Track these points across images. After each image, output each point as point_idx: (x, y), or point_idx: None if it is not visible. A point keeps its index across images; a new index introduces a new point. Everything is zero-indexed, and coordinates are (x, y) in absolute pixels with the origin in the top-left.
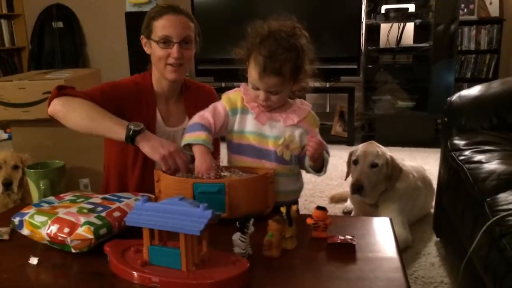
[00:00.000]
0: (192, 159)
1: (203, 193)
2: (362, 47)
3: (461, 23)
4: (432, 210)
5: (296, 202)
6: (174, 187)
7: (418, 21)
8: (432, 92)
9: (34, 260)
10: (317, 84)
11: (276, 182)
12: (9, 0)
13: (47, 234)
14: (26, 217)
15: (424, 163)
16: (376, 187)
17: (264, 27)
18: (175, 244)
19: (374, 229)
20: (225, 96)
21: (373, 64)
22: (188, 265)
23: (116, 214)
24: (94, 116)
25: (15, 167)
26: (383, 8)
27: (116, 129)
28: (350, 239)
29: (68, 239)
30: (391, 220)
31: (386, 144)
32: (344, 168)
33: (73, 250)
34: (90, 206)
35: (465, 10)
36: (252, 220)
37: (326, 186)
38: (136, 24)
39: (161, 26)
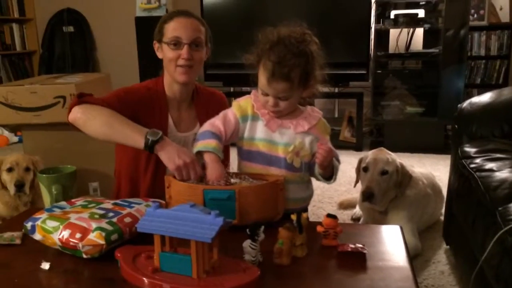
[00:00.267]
0: (203, 166)
1: (213, 200)
2: (371, 52)
3: (471, 28)
4: (442, 218)
5: (306, 210)
6: (184, 193)
7: (427, 26)
8: (442, 98)
9: (46, 265)
10: (325, 89)
11: (285, 189)
12: (21, 5)
13: (59, 239)
14: (39, 222)
15: (433, 169)
16: (386, 194)
17: (274, 33)
18: (185, 251)
19: (385, 238)
20: (236, 103)
21: (382, 69)
22: (199, 272)
23: (127, 220)
24: (113, 124)
25: (27, 169)
26: (392, 14)
27: (135, 137)
28: (361, 247)
29: (80, 245)
30: (401, 228)
31: (394, 150)
32: (352, 174)
33: (84, 256)
34: (102, 212)
35: (475, 15)
36: (262, 227)
37: (335, 192)
38: (146, 29)
39: (172, 28)
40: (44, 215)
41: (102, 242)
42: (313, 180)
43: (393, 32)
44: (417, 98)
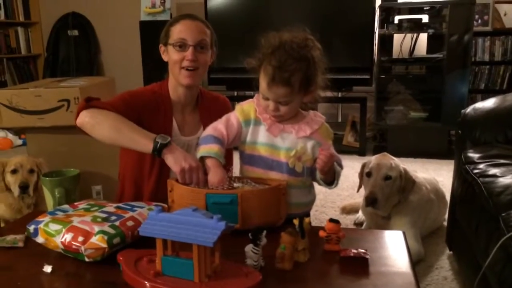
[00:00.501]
0: (205, 172)
1: (215, 204)
2: (375, 57)
3: (475, 34)
4: (445, 223)
5: (308, 214)
6: (187, 197)
7: (431, 31)
8: (446, 103)
9: (48, 268)
10: (329, 94)
11: (287, 194)
12: (26, 8)
13: (62, 242)
14: (41, 225)
15: (436, 174)
16: (389, 200)
17: (276, 38)
18: (187, 255)
19: (387, 243)
20: (239, 107)
21: (386, 74)
22: (200, 276)
23: (130, 223)
24: (121, 128)
25: (31, 171)
26: (396, 19)
27: (143, 142)
28: (363, 252)
29: (82, 248)
30: (404, 233)
31: (398, 155)
32: (355, 179)
33: (86, 259)
34: (104, 215)
35: (479, 21)
36: (264, 232)
37: (337, 197)
38: (150, 33)
39: (178, 30)
40: (47, 218)
41: (104, 245)
42: (316, 185)
43: (397, 37)
44: (421, 103)
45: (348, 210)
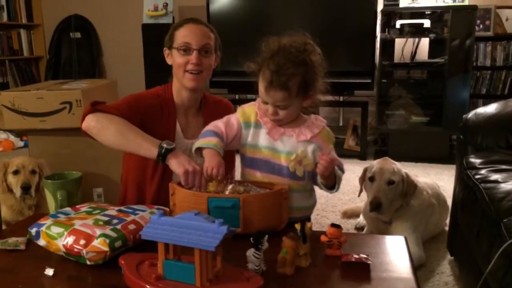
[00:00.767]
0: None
1: (217, 208)
2: (377, 61)
3: (476, 39)
4: (446, 228)
5: (308, 219)
6: (188, 200)
7: (432, 36)
8: (447, 108)
9: (49, 271)
10: (330, 98)
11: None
12: (29, 11)
13: (63, 245)
14: (43, 228)
15: (438, 179)
16: (392, 204)
17: (275, 42)
18: (189, 259)
19: (389, 248)
20: (240, 109)
21: (387, 78)
22: (202, 280)
23: (131, 226)
24: (126, 133)
25: (33, 172)
26: (398, 23)
27: (148, 147)
28: (365, 258)
29: (84, 251)
30: (406, 239)
31: (399, 159)
32: (356, 183)
33: (88, 262)
34: (106, 218)
35: (481, 26)
36: (266, 236)
37: (339, 201)
38: (153, 35)
39: (182, 34)
40: (49, 221)
41: (106, 249)
42: (317, 189)
43: (399, 42)
44: (422, 107)
45: (349, 215)
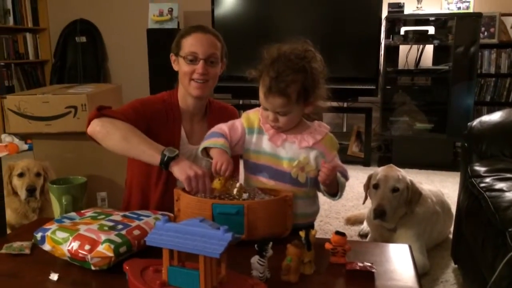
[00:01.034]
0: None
1: (222, 214)
2: (381, 68)
3: (481, 46)
4: (450, 236)
5: (312, 225)
6: (193, 206)
7: (437, 42)
8: (451, 115)
9: (54, 276)
10: (334, 104)
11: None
12: (35, 15)
13: (68, 250)
14: (49, 233)
15: (441, 186)
16: (396, 212)
17: (275, 49)
18: (193, 265)
19: (393, 257)
20: (245, 114)
21: (391, 85)
22: (206, 287)
23: (136, 232)
24: (131, 139)
25: (38, 175)
26: (402, 30)
27: (152, 153)
28: (370, 266)
29: (89, 256)
30: (410, 247)
31: (403, 166)
32: (360, 189)
33: (93, 268)
34: (111, 224)
35: (486, 33)
36: (270, 244)
37: (342, 207)
38: (158, 40)
39: (189, 44)
40: (54, 226)
41: (111, 254)
42: (320, 195)
43: (403, 48)
44: (426, 114)
45: (353, 221)
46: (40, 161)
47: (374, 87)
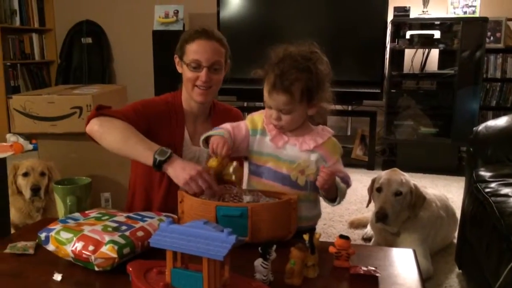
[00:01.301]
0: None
1: (225, 216)
2: (386, 71)
3: (487, 51)
4: (455, 241)
5: (313, 229)
6: (197, 208)
7: (442, 46)
8: (456, 119)
9: (58, 277)
10: (339, 107)
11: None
12: (41, 15)
13: (72, 251)
14: (53, 233)
15: (446, 191)
16: (399, 216)
17: (282, 50)
18: (197, 267)
19: (397, 261)
20: (250, 116)
21: (396, 89)
22: None
23: (140, 233)
24: (127, 139)
25: (42, 174)
26: (408, 34)
27: (145, 155)
28: (374, 270)
29: (92, 257)
30: (414, 252)
31: (407, 170)
32: (364, 193)
33: (96, 268)
34: (115, 225)
35: (492, 38)
36: (274, 247)
37: (346, 211)
38: (163, 42)
39: (193, 51)
40: (58, 226)
41: (115, 255)
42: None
43: (408, 52)
44: (431, 118)
45: (356, 225)
46: (45, 161)
47: (379, 91)
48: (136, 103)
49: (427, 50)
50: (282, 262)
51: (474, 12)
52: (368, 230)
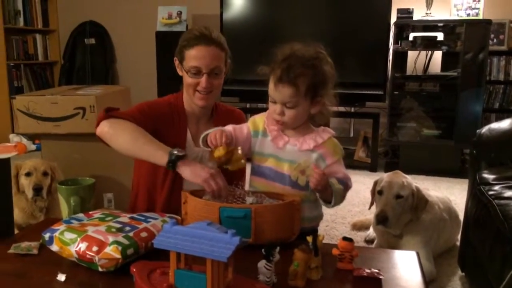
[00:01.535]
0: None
1: (229, 218)
2: (389, 73)
3: (490, 53)
4: (458, 243)
5: (315, 230)
6: (200, 209)
7: (445, 48)
8: (459, 121)
9: (61, 277)
10: (342, 109)
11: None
12: (45, 16)
13: (76, 251)
14: (57, 234)
15: (449, 193)
16: (401, 218)
17: (288, 48)
18: (200, 268)
19: (401, 263)
20: (251, 118)
21: (399, 91)
22: None
23: (143, 234)
24: (138, 140)
25: (45, 174)
26: (411, 36)
27: (158, 154)
28: (377, 273)
29: (96, 258)
30: (418, 254)
31: (410, 172)
32: (366, 194)
33: (100, 269)
34: (118, 225)
35: (495, 40)
36: (278, 248)
37: (348, 213)
38: (166, 43)
39: (192, 57)
40: (62, 227)
41: (118, 256)
42: None
43: (411, 54)
44: (434, 120)
45: (359, 227)
46: (48, 161)
47: (382, 93)
48: (141, 105)
49: (430, 52)
50: (286, 264)
51: (477, 14)
52: (371, 232)
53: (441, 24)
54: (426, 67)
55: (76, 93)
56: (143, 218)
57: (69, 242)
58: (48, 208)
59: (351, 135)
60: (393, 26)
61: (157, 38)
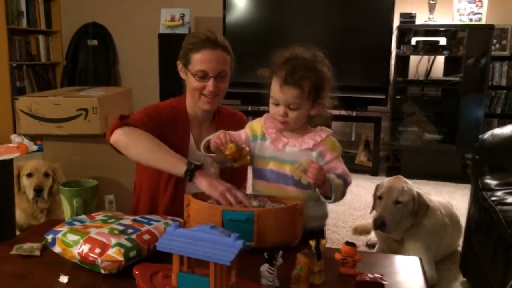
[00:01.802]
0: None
1: (231, 221)
2: (391, 77)
3: (492, 58)
4: (459, 248)
5: (322, 230)
6: (203, 213)
7: (447, 52)
8: (461, 126)
9: (64, 279)
10: (343, 113)
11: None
12: (48, 17)
13: (79, 253)
14: (59, 235)
15: (450, 198)
16: (401, 223)
17: (288, 51)
18: (203, 271)
19: (403, 268)
20: (248, 124)
21: (401, 95)
22: None
23: (146, 237)
24: (154, 149)
25: (46, 175)
26: (413, 40)
27: (176, 163)
28: (380, 278)
29: (99, 260)
30: (420, 259)
31: (411, 176)
32: (367, 198)
33: (102, 271)
34: (121, 228)
35: (497, 45)
36: (280, 252)
37: (350, 216)
38: (169, 45)
39: (199, 61)
40: (65, 228)
41: (121, 258)
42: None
43: (414, 59)
44: (436, 125)
45: (360, 231)
46: (50, 162)
47: (383, 97)
48: (147, 109)
49: (432, 56)
50: (288, 267)
51: (480, 19)
52: (372, 236)
53: (443, 29)
54: (428, 71)
55: (78, 94)
56: (145, 220)
57: (71, 243)
58: (49, 209)
59: (353, 139)
60: (396, 31)
61: (159, 40)
